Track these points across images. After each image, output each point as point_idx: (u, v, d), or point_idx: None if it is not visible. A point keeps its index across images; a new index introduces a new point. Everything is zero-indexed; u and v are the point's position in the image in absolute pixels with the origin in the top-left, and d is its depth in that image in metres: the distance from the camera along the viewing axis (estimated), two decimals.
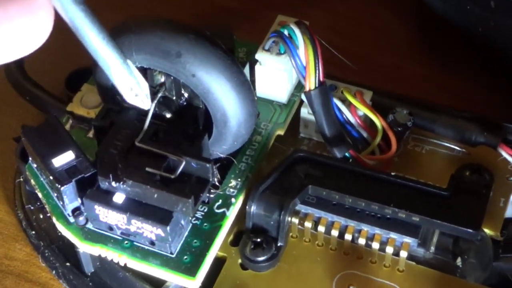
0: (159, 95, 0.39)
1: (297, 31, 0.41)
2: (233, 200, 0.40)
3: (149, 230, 0.38)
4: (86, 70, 0.47)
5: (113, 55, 0.34)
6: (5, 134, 0.49)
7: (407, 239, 0.40)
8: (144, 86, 0.36)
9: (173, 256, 0.38)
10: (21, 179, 0.45)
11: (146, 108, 0.37)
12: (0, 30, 0.27)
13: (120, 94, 0.36)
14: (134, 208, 0.38)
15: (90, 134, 0.43)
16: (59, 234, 0.41)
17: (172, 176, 0.37)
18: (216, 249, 0.39)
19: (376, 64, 0.53)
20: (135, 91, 0.35)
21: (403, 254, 0.40)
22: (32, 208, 0.44)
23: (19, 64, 0.47)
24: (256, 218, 0.40)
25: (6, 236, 0.45)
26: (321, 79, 0.42)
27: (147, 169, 0.37)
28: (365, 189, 0.40)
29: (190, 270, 0.38)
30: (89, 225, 0.39)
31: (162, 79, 0.40)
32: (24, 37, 0.28)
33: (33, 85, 0.46)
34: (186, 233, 0.39)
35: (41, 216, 0.44)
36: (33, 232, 0.44)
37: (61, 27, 0.55)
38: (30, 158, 0.41)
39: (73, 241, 0.39)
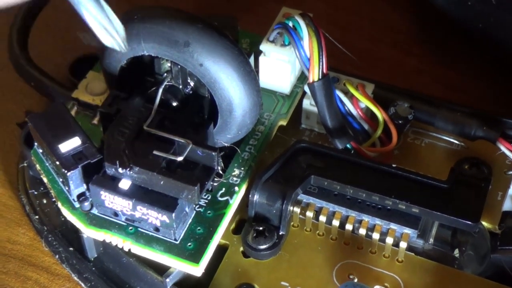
0: (165, 82, 0.40)
1: (301, 23, 0.42)
2: (236, 188, 0.41)
3: (154, 217, 0.38)
4: (91, 57, 0.47)
5: None
6: (8, 120, 0.49)
7: (407, 230, 0.40)
8: (119, 29, 0.35)
9: (177, 242, 0.39)
10: (25, 164, 0.45)
11: (123, 51, 0.36)
12: None
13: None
14: (140, 194, 0.38)
15: (95, 120, 0.44)
16: (63, 219, 0.41)
17: (179, 159, 0.37)
18: (219, 236, 0.40)
19: (377, 57, 0.53)
20: (110, 32, 0.34)
21: (403, 244, 0.40)
22: (35, 193, 0.45)
23: (24, 49, 0.47)
24: (259, 207, 0.41)
25: (10, 221, 0.45)
26: (324, 71, 0.42)
27: (154, 152, 0.38)
28: (366, 180, 0.41)
29: (194, 256, 0.38)
30: (94, 211, 0.40)
31: (169, 68, 0.40)
32: None
33: (39, 71, 0.47)
34: (190, 220, 0.39)
35: (45, 201, 0.44)
36: (37, 217, 0.44)
37: (66, 13, 0.55)
38: (35, 144, 0.41)
39: (78, 226, 0.40)
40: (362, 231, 0.41)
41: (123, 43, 0.35)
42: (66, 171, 0.38)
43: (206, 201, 0.40)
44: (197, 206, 0.40)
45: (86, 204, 0.40)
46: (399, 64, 0.53)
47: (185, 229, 0.39)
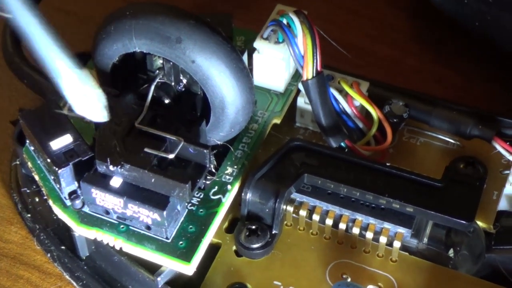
0: (157, 79, 0.40)
1: (296, 20, 0.42)
2: (229, 187, 0.41)
3: (145, 215, 0.38)
4: (83, 55, 0.47)
5: (63, 61, 0.33)
6: (1, 118, 0.49)
7: (401, 229, 0.40)
8: (101, 97, 0.35)
9: (169, 241, 0.38)
10: (18, 162, 0.45)
11: (102, 121, 0.36)
12: None
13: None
14: (131, 192, 0.38)
15: None
16: (55, 217, 0.41)
17: (170, 156, 0.37)
18: (211, 235, 0.39)
19: (373, 55, 0.53)
20: (90, 100, 0.34)
21: (397, 244, 0.40)
22: (28, 191, 0.44)
23: (18, 47, 0.47)
24: (252, 205, 0.40)
25: (2, 219, 0.45)
26: (318, 68, 0.42)
27: (145, 149, 0.37)
28: (360, 179, 0.40)
29: (185, 255, 0.38)
30: (86, 209, 0.39)
31: (161, 65, 0.40)
32: None
33: (32, 68, 0.46)
34: (182, 218, 0.39)
35: (37, 199, 0.44)
36: (29, 215, 0.44)
37: (58, 11, 0.55)
38: (27, 141, 0.41)
39: (69, 224, 0.39)
40: (356, 230, 0.41)
41: (103, 112, 0.35)
42: (57, 169, 0.38)
43: (199, 199, 0.40)
44: (189, 204, 0.40)
45: (78, 202, 0.39)
46: (397, 62, 0.53)
47: (177, 227, 0.39)
